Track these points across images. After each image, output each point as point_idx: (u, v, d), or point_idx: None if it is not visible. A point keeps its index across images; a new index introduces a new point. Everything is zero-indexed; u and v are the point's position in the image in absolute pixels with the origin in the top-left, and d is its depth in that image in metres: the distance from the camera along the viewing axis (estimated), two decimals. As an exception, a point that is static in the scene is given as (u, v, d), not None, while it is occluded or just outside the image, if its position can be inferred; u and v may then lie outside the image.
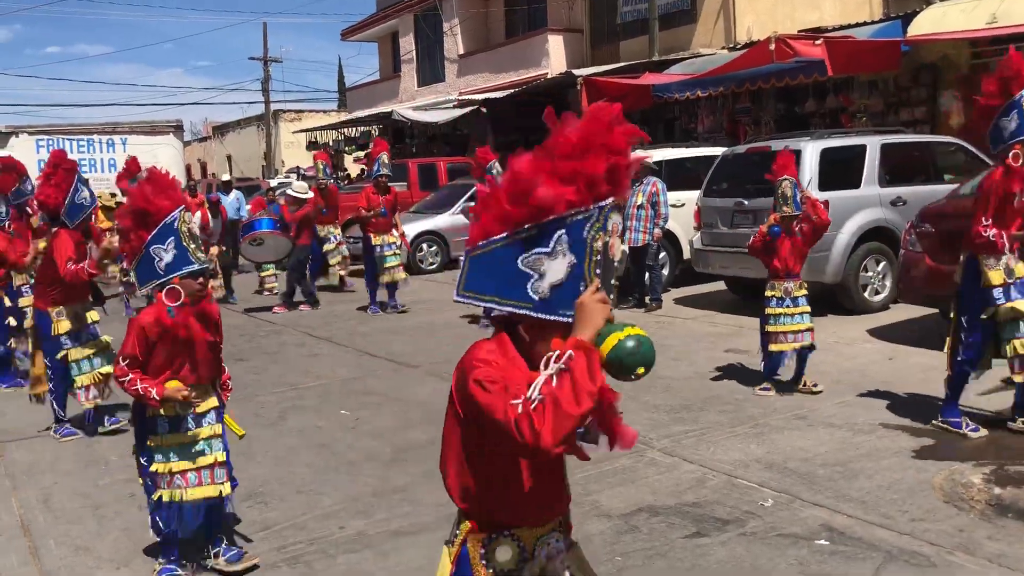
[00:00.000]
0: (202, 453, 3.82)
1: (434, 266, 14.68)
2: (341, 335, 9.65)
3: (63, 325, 5.89)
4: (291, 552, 4.12)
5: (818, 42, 12.42)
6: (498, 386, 1.79)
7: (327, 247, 12.11)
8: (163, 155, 25.82)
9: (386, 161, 10.86)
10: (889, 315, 8.86)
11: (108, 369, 5.77)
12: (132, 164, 11.42)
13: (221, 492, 3.88)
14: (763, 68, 13.86)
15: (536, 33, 22.08)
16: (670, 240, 11.00)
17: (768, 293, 6.37)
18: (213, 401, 3.90)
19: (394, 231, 10.82)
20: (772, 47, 12.28)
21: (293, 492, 4.90)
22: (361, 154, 27.81)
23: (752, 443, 5.30)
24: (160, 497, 3.80)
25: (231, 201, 15.03)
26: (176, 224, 3.61)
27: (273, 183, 20.21)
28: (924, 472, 4.67)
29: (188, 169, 37.99)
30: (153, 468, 3.79)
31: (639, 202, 9.92)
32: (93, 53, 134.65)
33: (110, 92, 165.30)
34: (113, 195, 21.10)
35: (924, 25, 12.44)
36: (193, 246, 3.64)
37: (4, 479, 5.40)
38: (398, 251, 10.88)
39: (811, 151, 8.96)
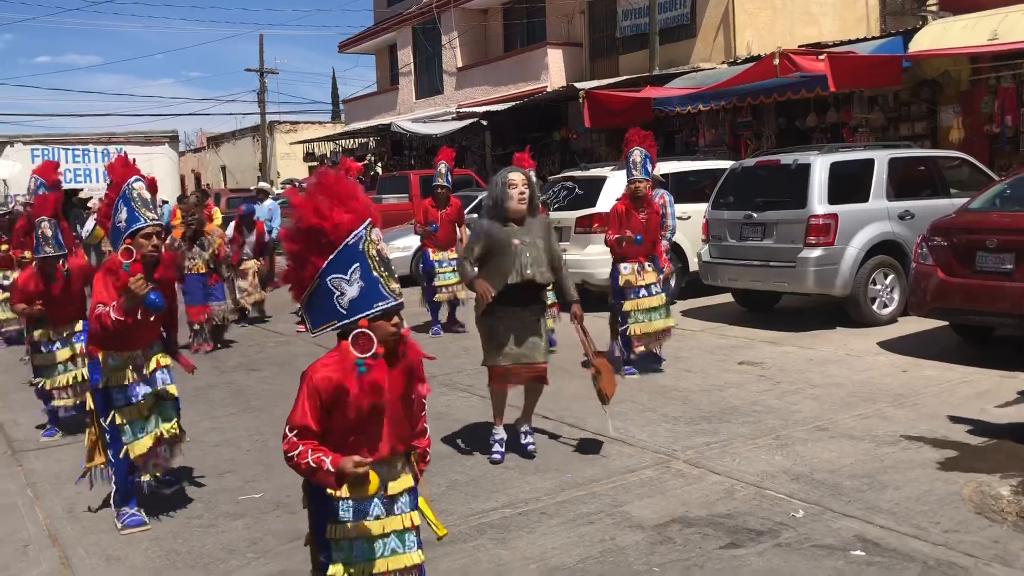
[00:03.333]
0: (395, 552, 2.83)
1: (438, 277, 14.64)
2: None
3: (115, 377, 4.59)
4: (326, 562, 4.10)
5: (821, 57, 12.51)
6: None
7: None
8: (158, 166, 25.79)
9: (443, 171, 9.94)
10: (898, 328, 8.91)
11: (167, 428, 4.73)
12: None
13: None
14: (764, 82, 13.97)
15: (535, 47, 22.20)
16: (676, 253, 11.03)
17: None
18: (408, 480, 2.89)
19: (457, 246, 9.88)
20: (776, 62, 12.36)
21: (320, 502, 4.88)
22: (359, 166, 27.87)
23: (776, 454, 5.32)
24: None
25: (263, 211, 13.68)
26: (362, 245, 2.67)
27: (274, 192, 20.05)
28: (952, 484, 4.70)
29: (183, 180, 37.96)
30: (330, 574, 2.79)
31: (648, 214, 9.94)
32: (84, 64, 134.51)
33: (105, 102, 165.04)
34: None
35: (925, 41, 12.59)
36: (386, 274, 2.71)
37: (26, 489, 5.37)
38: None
39: (820, 165, 9.03)
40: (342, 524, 2.77)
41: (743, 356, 8.09)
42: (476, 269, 5.44)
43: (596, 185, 11.23)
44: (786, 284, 9.29)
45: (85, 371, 6.01)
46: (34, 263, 6.27)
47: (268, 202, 14.56)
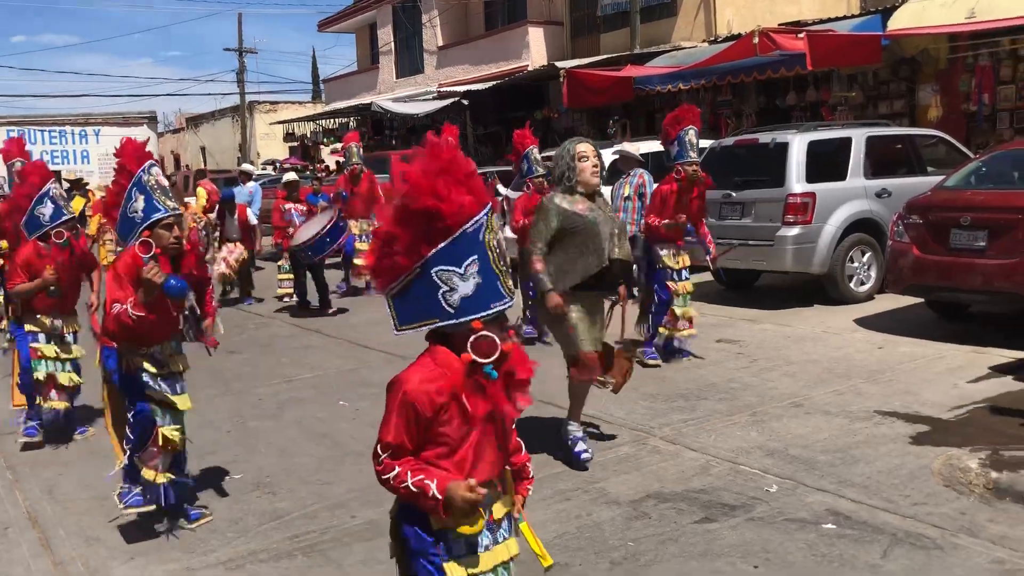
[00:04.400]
0: None
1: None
2: (330, 326, 9.64)
3: (136, 362, 4.19)
4: (305, 541, 4.14)
5: (800, 36, 12.55)
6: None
7: (360, 245, 11.18)
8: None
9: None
10: (875, 305, 9.01)
11: (175, 433, 4.29)
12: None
13: None
14: (744, 61, 14.00)
15: (516, 25, 22.11)
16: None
17: None
18: (507, 501, 2.49)
19: None
20: (756, 40, 12.40)
21: (300, 482, 4.92)
22: (338, 146, 27.74)
23: (751, 430, 5.39)
24: None
25: (243, 194, 13.53)
26: (483, 234, 2.23)
27: (255, 174, 20.00)
28: (922, 458, 4.78)
29: (162, 161, 37.67)
30: None
31: (626, 193, 9.94)
32: (60, 43, 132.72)
33: (82, 83, 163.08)
34: (85, 183, 20.64)
35: (904, 20, 12.64)
36: (504, 269, 2.30)
37: (5, 472, 5.37)
38: None
39: (798, 144, 9.08)
40: (458, 559, 2.33)
41: (721, 334, 8.16)
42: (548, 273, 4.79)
43: (576, 164, 11.21)
44: (764, 262, 9.36)
45: (75, 375, 5.82)
46: (55, 232, 5.52)
47: (250, 184, 14.45)
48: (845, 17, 15.11)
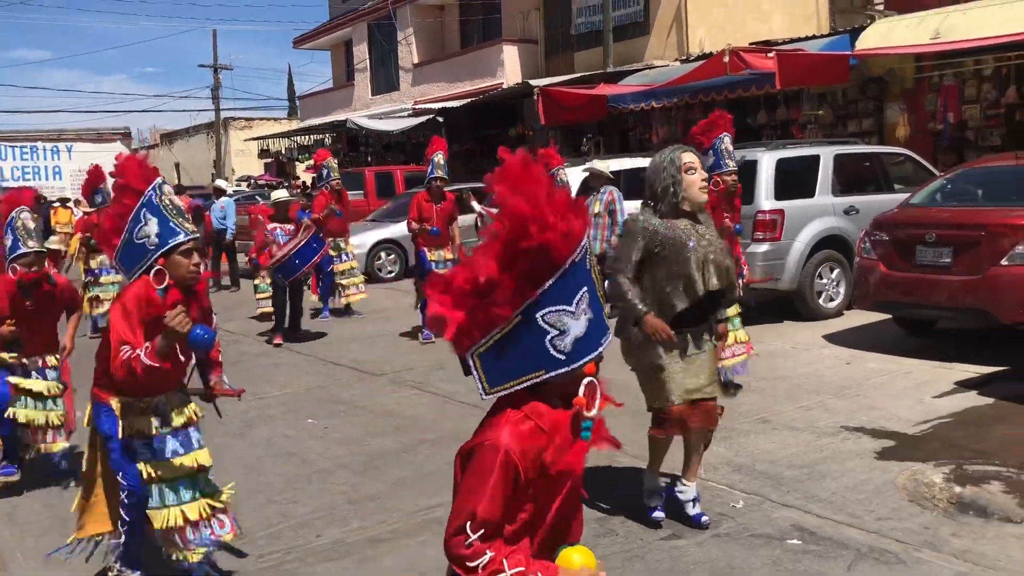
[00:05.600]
0: None
1: (392, 274, 14.64)
2: (301, 343, 9.58)
3: (137, 423, 3.61)
4: (270, 561, 4.10)
5: (770, 55, 12.69)
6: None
7: (339, 266, 10.95)
8: (110, 163, 25.45)
9: (440, 163, 9.35)
10: (843, 321, 9.09)
11: (198, 507, 3.68)
12: (96, 173, 8.99)
13: None
14: (716, 80, 14.14)
15: (491, 43, 22.22)
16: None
17: None
18: None
19: (451, 245, 9.36)
20: (726, 60, 12.52)
21: (266, 501, 4.87)
22: (312, 162, 27.68)
23: (719, 446, 5.39)
24: None
25: (215, 210, 13.76)
26: (588, 261, 1.94)
27: (229, 191, 19.92)
28: (887, 473, 4.82)
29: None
30: None
31: (596, 210, 10.03)
32: (33, 58, 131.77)
33: (54, 98, 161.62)
34: (65, 200, 20.46)
35: (871, 39, 12.82)
36: (603, 294, 2.00)
37: (-36, 493, 5.27)
38: None
39: (767, 161, 9.16)
40: None
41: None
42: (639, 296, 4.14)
43: (549, 182, 11.26)
44: (735, 279, 9.41)
45: (60, 413, 5.34)
46: (9, 268, 4.97)
47: (223, 199, 14.36)
48: (814, 37, 15.31)
